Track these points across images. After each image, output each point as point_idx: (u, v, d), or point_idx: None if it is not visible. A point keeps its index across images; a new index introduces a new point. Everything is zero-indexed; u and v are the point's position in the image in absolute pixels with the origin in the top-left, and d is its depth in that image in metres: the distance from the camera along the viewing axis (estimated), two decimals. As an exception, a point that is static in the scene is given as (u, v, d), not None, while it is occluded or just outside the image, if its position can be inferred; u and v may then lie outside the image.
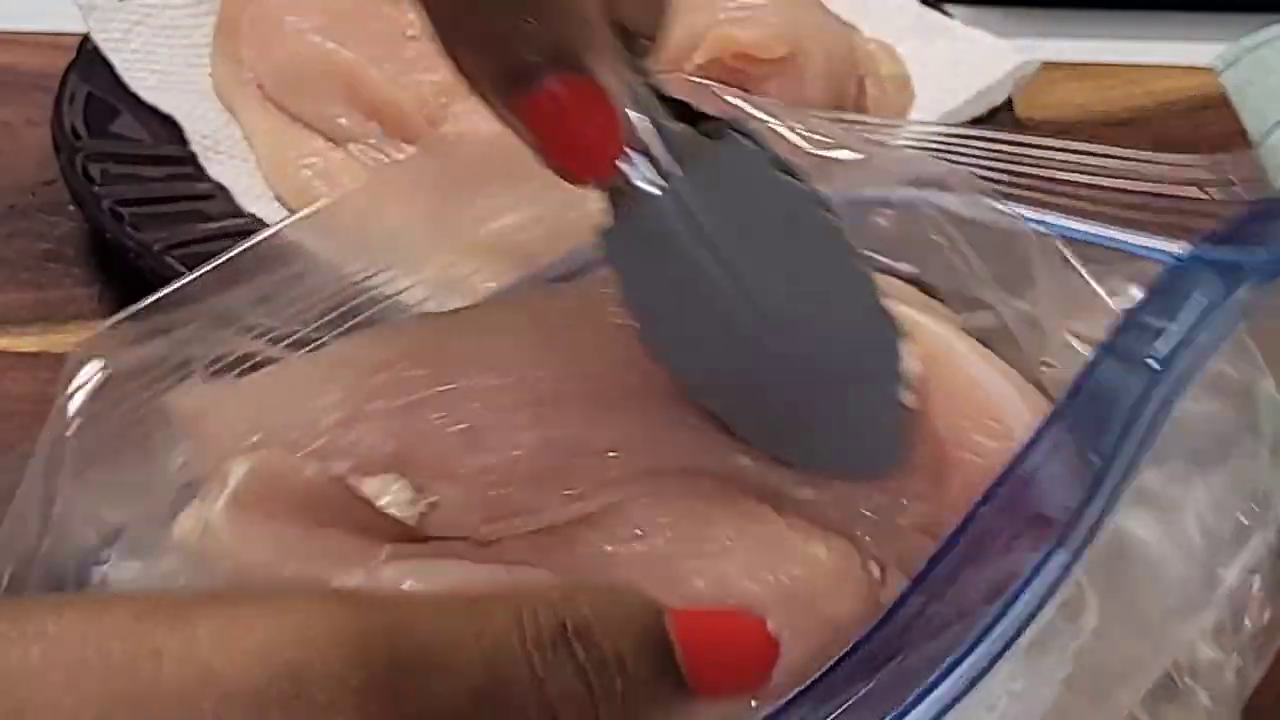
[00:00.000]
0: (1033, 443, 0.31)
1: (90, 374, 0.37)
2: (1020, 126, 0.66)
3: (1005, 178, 0.40)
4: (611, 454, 0.36)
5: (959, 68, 0.67)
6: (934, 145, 0.42)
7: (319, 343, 0.39)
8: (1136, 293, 0.35)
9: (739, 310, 0.34)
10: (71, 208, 0.60)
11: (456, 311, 0.40)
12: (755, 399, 0.36)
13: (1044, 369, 0.38)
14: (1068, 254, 0.39)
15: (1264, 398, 0.34)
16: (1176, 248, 0.36)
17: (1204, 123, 0.70)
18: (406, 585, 0.33)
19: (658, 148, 0.33)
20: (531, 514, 0.35)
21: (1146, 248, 0.38)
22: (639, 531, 0.35)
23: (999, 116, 0.65)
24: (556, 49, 0.30)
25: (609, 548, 0.35)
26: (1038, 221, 0.39)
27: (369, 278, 0.41)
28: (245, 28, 0.64)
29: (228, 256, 0.40)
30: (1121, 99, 0.72)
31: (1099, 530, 0.30)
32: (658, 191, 0.33)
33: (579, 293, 0.39)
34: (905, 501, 0.36)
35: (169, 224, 0.57)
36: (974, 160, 0.41)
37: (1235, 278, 0.33)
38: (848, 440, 0.36)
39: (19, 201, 0.62)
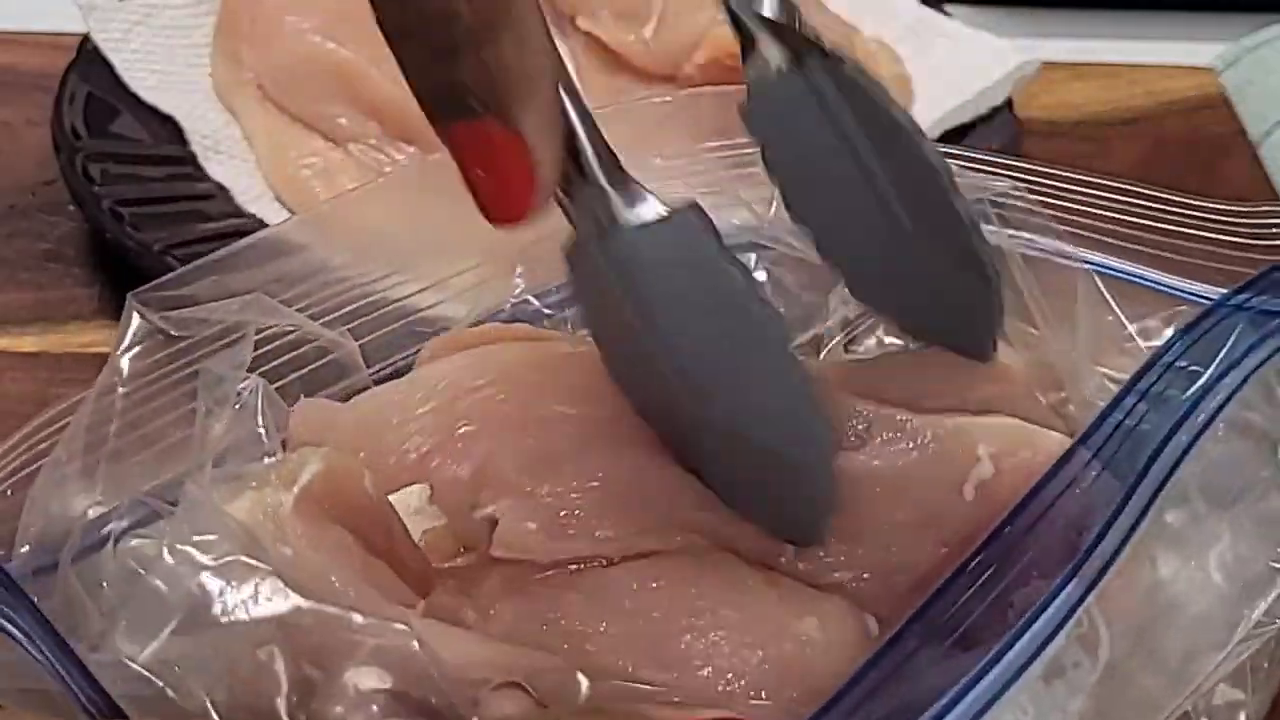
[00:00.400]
0: (1053, 472, 0.31)
1: (144, 331, 0.38)
2: (1021, 126, 0.66)
3: (1048, 210, 0.41)
4: (663, 499, 0.37)
5: (959, 68, 0.67)
6: (983, 170, 0.42)
7: (363, 319, 0.40)
8: (1169, 335, 0.35)
9: (668, 373, 0.34)
10: (71, 208, 0.60)
11: (537, 344, 0.41)
12: (693, 448, 0.36)
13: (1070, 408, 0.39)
14: (1105, 292, 0.39)
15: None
16: (1212, 292, 0.36)
17: (1204, 123, 0.70)
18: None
19: (596, 199, 0.33)
20: (591, 539, 0.36)
21: (1183, 290, 0.38)
22: (628, 602, 0.36)
23: (999, 116, 0.65)
24: (492, 96, 0.30)
25: (601, 625, 0.35)
26: (1078, 257, 0.39)
27: (379, 279, 0.41)
28: (245, 28, 0.64)
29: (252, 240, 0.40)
30: (1121, 99, 0.72)
31: (1114, 563, 0.30)
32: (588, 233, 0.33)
33: None
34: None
35: (169, 224, 0.57)
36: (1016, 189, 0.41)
37: (1269, 326, 0.33)
38: (774, 512, 0.36)
39: (19, 201, 0.62)
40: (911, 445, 0.37)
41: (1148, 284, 0.39)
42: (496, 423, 0.37)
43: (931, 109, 0.65)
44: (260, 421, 0.37)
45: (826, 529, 0.36)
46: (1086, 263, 0.39)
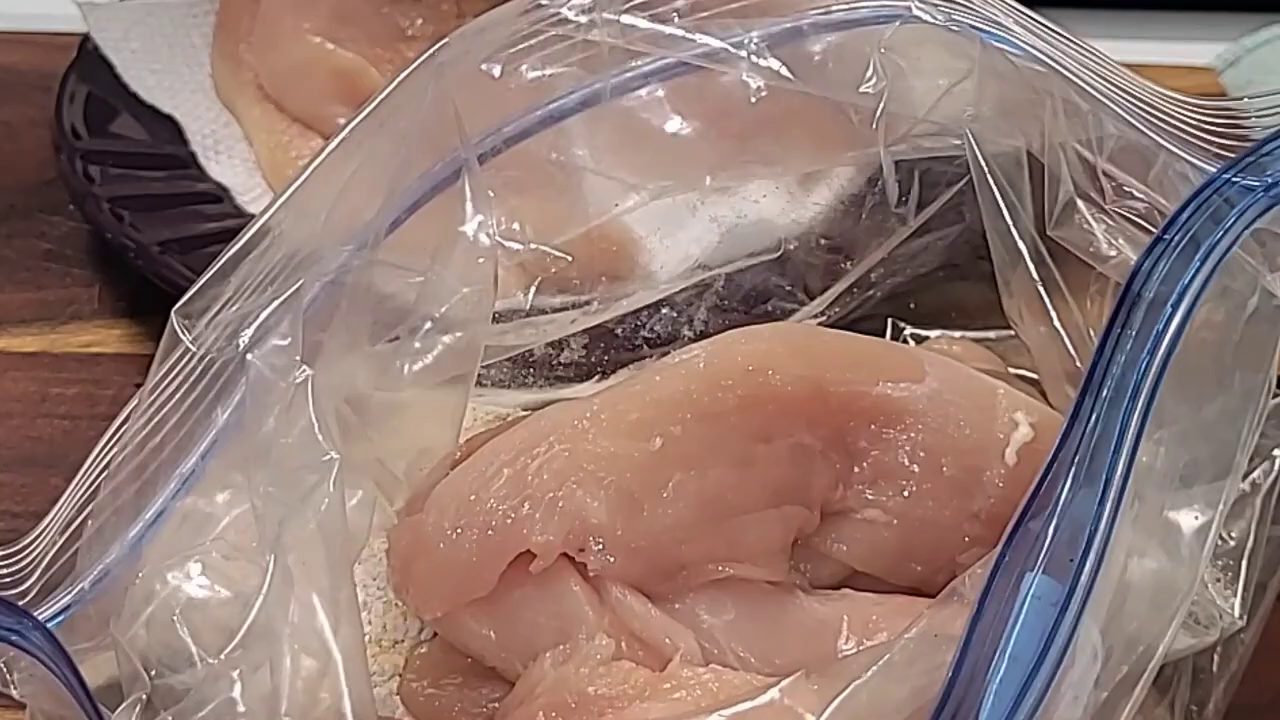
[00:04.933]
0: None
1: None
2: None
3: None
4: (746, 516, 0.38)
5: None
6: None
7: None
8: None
9: None
10: (71, 208, 0.60)
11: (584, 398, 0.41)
12: None
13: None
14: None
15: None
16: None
17: (1204, 123, 0.70)
18: None
19: None
20: (690, 571, 0.38)
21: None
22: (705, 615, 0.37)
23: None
24: None
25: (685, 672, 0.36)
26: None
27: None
28: (245, 28, 0.64)
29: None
30: (1122, 99, 0.71)
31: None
32: None
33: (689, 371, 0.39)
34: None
35: (169, 224, 0.57)
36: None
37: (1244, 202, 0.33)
38: None
39: (19, 201, 0.63)
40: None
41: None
42: (568, 477, 0.37)
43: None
44: (315, 419, 0.36)
45: None
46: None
